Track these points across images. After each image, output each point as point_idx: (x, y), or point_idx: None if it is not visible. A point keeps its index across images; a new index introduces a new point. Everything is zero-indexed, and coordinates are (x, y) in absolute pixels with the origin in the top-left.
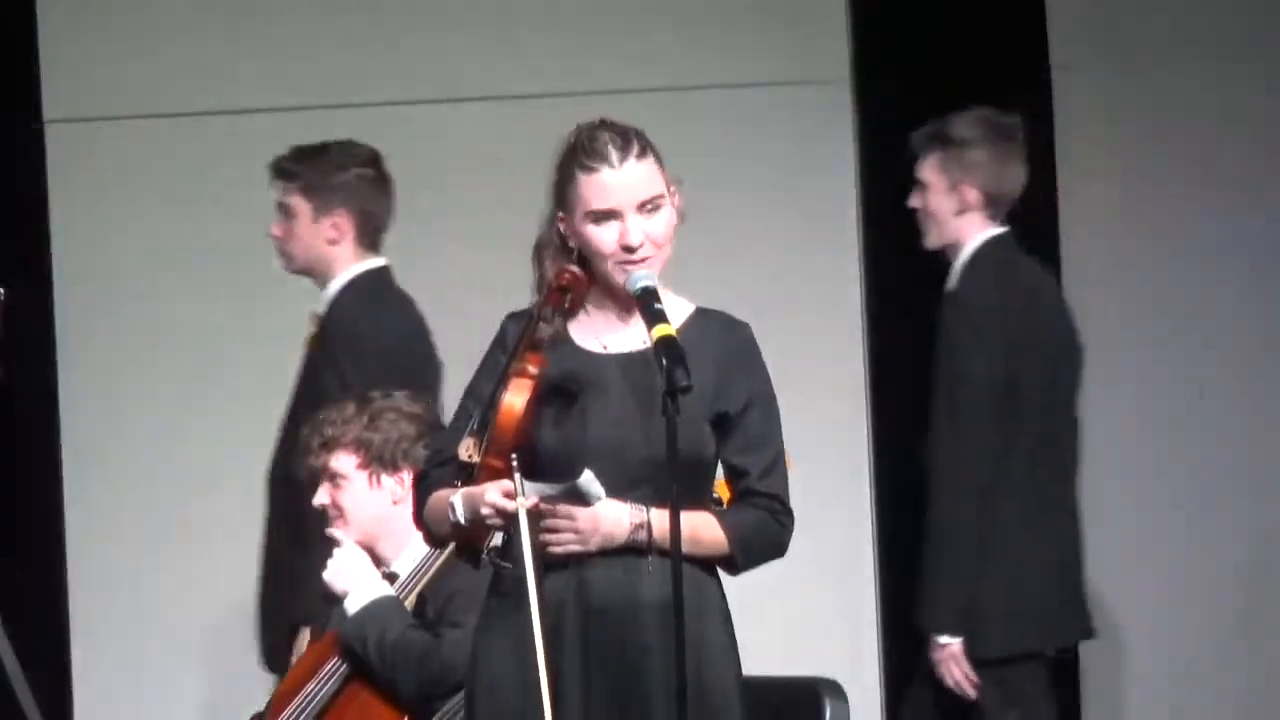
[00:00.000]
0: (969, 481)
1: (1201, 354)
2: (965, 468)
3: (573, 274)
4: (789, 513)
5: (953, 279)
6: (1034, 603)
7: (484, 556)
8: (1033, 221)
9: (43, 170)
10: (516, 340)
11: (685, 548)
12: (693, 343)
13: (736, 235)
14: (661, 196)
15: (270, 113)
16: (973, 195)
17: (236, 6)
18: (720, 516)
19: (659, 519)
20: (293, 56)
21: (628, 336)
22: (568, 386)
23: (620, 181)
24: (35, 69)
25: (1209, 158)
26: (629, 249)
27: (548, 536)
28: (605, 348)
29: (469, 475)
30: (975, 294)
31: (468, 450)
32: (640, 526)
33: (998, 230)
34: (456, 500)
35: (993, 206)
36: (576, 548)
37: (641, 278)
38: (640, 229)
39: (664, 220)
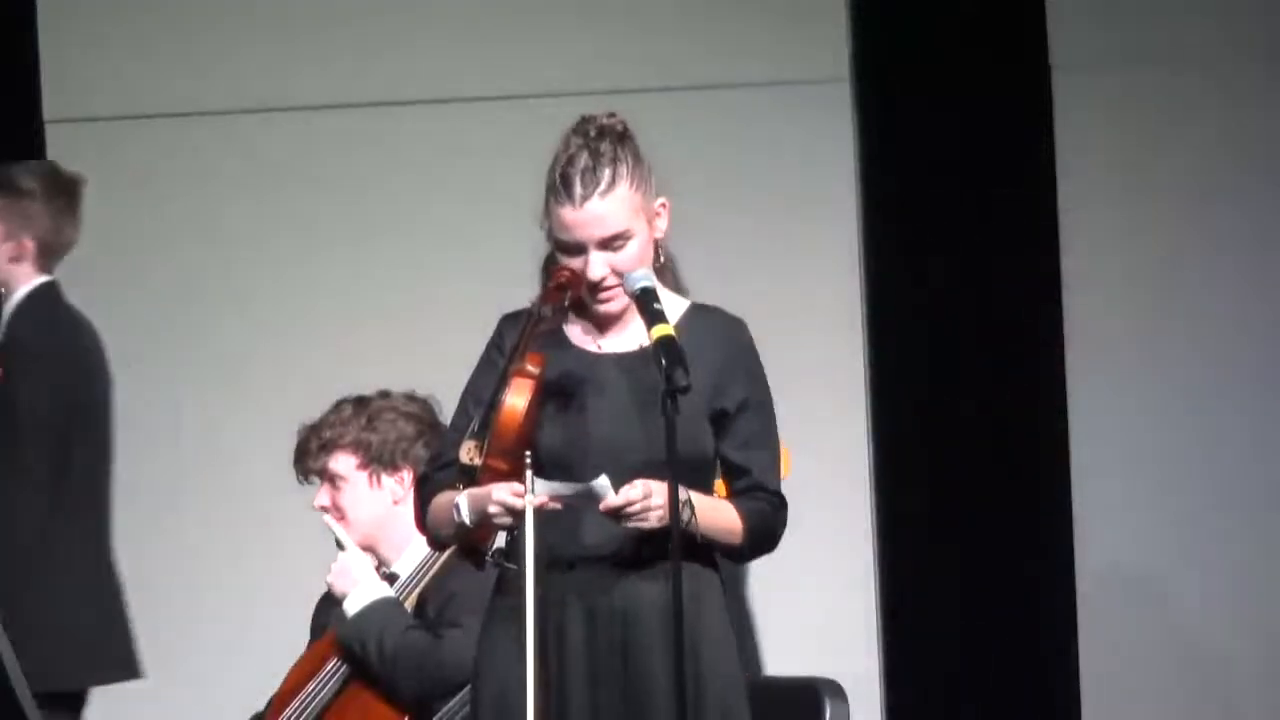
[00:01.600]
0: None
1: (1201, 354)
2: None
3: (571, 272)
4: (786, 508)
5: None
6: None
7: (488, 558)
8: (1033, 221)
9: None
10: (515, 340)
11: (710, 528)
12: (690, 340)
13: (736, 235)
14: (628, 232)
15: (270, 113)
16: (29, 244)
17: (237, 7)
18: (735, 503)
19: (698, 497)
20: (292, 56)
21: (623, 337)
22: (565, 386)
23: (580, 220)
24: (35, 69)
25: (1209, 158)
26: (592, 284)
27: (634, 523)
28: (600, 348)
29: (471, 478)
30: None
31: (469, 453)
32: (684, 504)
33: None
34: (462, 501)
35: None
36: (658, 524)
37: (640, 278)
38: (603, 262)
39: (632, 253)
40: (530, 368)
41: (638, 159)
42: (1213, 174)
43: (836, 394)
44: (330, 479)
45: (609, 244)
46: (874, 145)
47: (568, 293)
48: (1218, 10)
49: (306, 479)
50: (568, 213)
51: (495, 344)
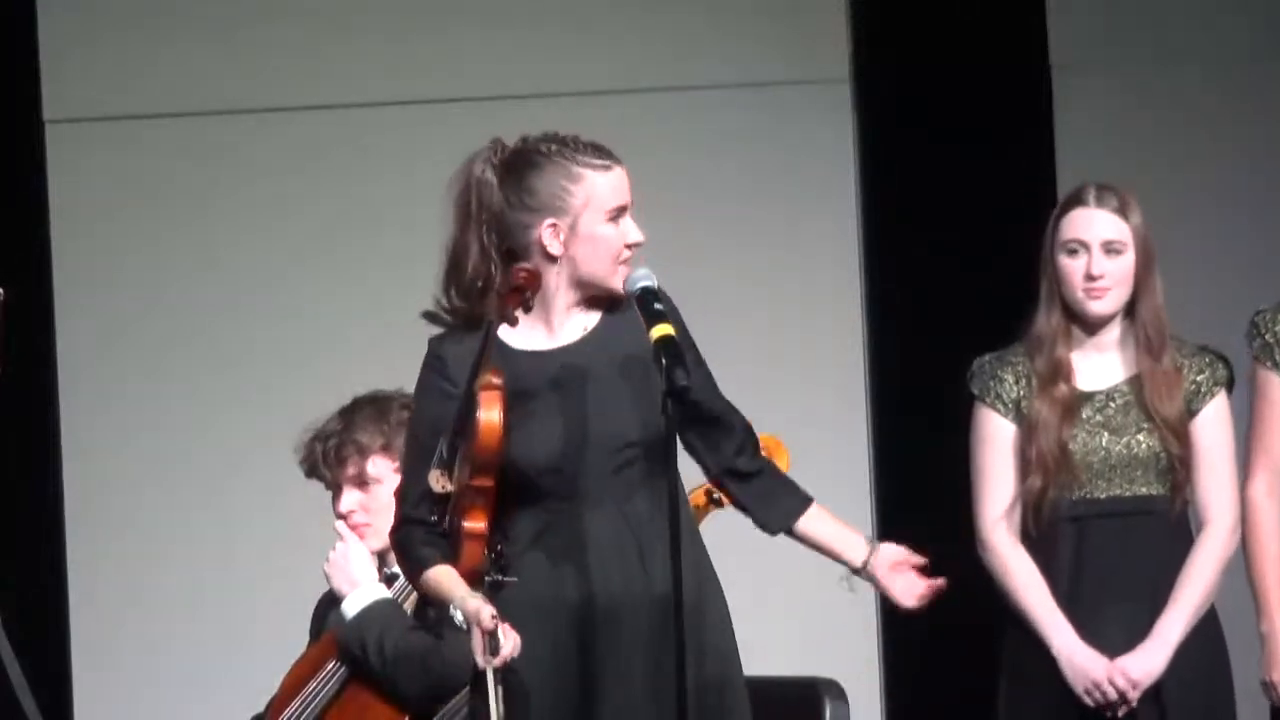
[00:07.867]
0: None
1: None
2: None
3: (528, 272)
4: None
5: None
6: None
7: (485, 578)
8: (1032, 221)
9: (43, 170)
10: (478, 355)
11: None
12: (611, 335)
13: (736, 234)
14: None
15: (269, 113)
16: None
17: (236, 7)
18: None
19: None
20: (292, 57)
21: (565, 330)
22: (528, 392)
23: None
24: (35, 69)
25: (1208, 158)
26: None
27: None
28: (546, 346)
29: (446, 504)
30: None
31: (439, 481)
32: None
33: None
34: (456, 614)
35: None
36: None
37: (641, 278)
38: None
39: None
40: (494, 379)
41: (509, 171)
42: (1212, 174)
43: (836, 392)
44: (362, 483)
45: None
46: (874, 146)
47: (527, 293)
48: (1216, 10)
49: (331, 485)
50: None
51: (436, 369)
